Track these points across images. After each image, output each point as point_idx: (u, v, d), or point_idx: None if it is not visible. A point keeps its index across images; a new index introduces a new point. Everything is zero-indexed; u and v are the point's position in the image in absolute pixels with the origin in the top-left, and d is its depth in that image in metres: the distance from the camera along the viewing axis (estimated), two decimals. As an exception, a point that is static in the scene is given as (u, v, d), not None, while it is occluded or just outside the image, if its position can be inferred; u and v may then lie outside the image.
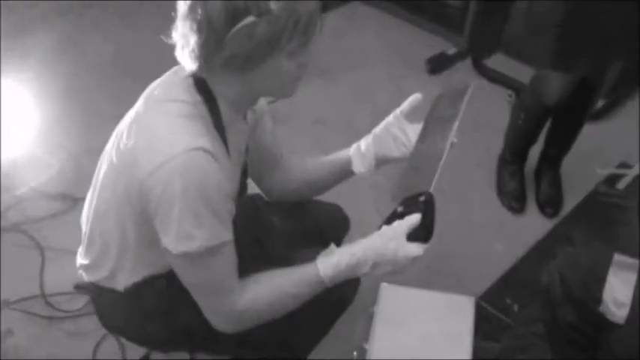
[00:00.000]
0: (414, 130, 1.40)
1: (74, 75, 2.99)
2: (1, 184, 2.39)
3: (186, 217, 1.11)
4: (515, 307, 2.03)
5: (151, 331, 1.39)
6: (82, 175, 1.38)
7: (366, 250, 1.23)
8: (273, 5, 1.07)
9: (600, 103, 2.69)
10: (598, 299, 1.47)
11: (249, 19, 1.06)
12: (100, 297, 1.43)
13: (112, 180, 1.23)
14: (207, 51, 1.11)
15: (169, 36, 1.16)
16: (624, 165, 2.53)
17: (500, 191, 2.49)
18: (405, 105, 1.42)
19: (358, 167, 1.45)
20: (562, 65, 2.01)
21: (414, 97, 1.42)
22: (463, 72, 3.13)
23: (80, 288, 1.47)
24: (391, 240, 1.21)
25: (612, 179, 2.47)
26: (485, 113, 2.69)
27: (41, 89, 2.93)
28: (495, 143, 2.54)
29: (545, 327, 1.72)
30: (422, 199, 1.24)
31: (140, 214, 1.17)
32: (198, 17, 1.08)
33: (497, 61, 3.11)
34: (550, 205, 2.43)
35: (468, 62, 3.18)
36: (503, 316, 2.01)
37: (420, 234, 1.22)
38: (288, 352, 1.45)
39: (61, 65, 3.05)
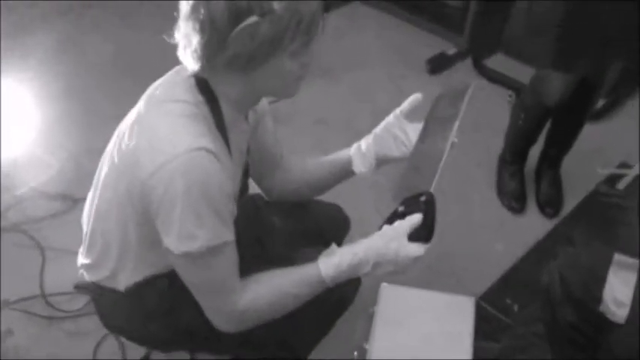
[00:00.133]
0: (414, 130, 1.40)
1: (74, 75, 2.99)
2: (1, 184, 2.40)
3: (188, 217, 1.11)
4: (515, 308, 2.03)
5: (152, 330, 1.39)
6: (82, 175, 1.37)
7: (367, 250, 1.23)
8: (275, 5, 1.07)
9: (600, 103, 2.69)
10: (598, 299, 1.47)
11: (252, 18, 1.06)
12: (101, 297, 1.43)
13: (114, 180, 1.23)
14: (210, 51, 1.11)
15: (170, 36, 1.16)
16: (624, 165, 2.53)
17: (501, 191, 2.49)
18: (405, 105, 1.42)
19: (359, 167, 1.45)
20: (563, 65, 2.01)
21: (414, 97, 1.42)
22: (463, 72, 3.14)
23: (80, 288, 1.47)
24: (392, 240, 1.22)
25: (612, 179, 2.47)
26: (486, 113, 2.69)
27: (41, 89, 2.93)
28: (495, 143, 2.54)
29: (545, 327, 1.72)
30: (423, 199, 1.24)
31: (142, 215, 1.17)
32: (201, 17, 1.08)
33: (498, 62, 3.11)
34: (550, 205, 2.43)
35: (468, 62, 3.18)
36: (503, 317, 2.01)
37: (421, 234, 1.22)
38: (289, 352, 1.46)
39: (61, 65, 3.05)
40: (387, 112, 1.45)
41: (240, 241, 1.23)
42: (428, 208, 1.23)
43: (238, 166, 1.33)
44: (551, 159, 2.48)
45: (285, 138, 1.57)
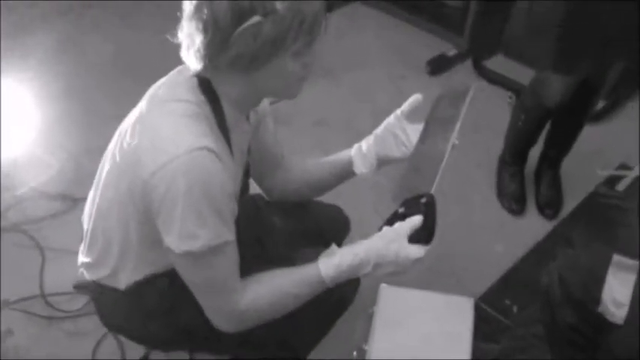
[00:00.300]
0: (414, 131, 1.41)
1: (74, 75, 2.99)
2: (2, 184, 2.40)
3: (189, 216, 1.11)
4: (515, 309, 2.03)
5: (152, 329, 1.39)
6: (82, 175, 1.38)
7: (368, 251, 1.23)
8: (278, 5, 1.07)
9: (600, 105, 2.70)
10: (597, 300, 1.47)
11: (255, 18, 1.07)
12: (101, 296, 1.43)
13: (115, 179, 1.24)
14: (213, 51, 1.11)
15: (172, 35, 1.16)
16: (624, 166, 2.54)
17: (500, 192, 2.49)
18: (406, 105, 1.42)
19: (359, 168, 1.45)
20: (563, 67, 2.01)
21: (415, 98, 1.42)
22: (463, 73, 3.13)
23: (80, 287, 1.47)
24: (393, 241, 1.22)
25: (612, 181, 2.47)
26: (486, 115, 2.69)
27: (41, 89, 2.93)
28: (495, 145, 2.54)
29: (544, 328, 1.72)
30: (423, 200, 1.24)
31: (143, 214, 1.17)
32: (204, 17, 1.08)
33: (498, 63, 3.11)
34: (550, 206, 2.43)
35: (468, 64, 3.18)
36: (503, 318, 2.01)
37: (421, 236, 1.23)
38: (289, 351, 1.46)
39: (61, 65, 3.05)
40: (387, 113, 1.45)
41: (241, 241, 1.23)
42: (428, 210, 1.23)
43: (239, 166, 1.33)
44: (551, 160, 2.48)
45: (285, 138, 1.57)
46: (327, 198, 1.63)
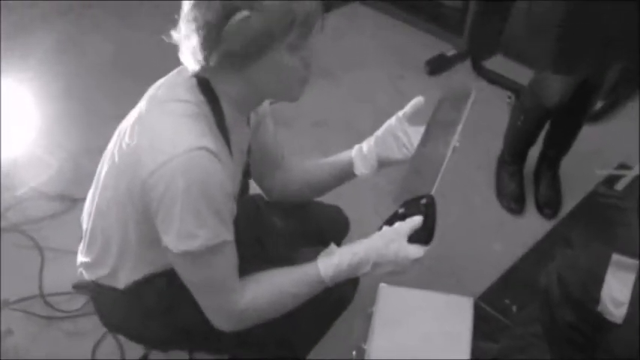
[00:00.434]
0: (416, 133, 1.41)
1: (74, 75, 2.99)
2: (1, 184, 2.40)
3: (187, 215, 1.11)
4: (514, 308, 2.03)
5: (151, 329, 1.39)
6: (82, 175, 1.38)
7: (367, 250, 1.23)
8: (266, 2, 1.08)
9: (599, 105, 2.70)
10: (596, 299, 1.48)
11: (244, 13, 1.07)
12: (100, 295, 1.43)
13: (114, 179, 1.24)
14: (207, 50, 1.11)
15: (168, 37, 1.17)
16: (623, 166, 2.54)
17: (500, 192, 2.49)
18: (408, 108, 1.42)
19: (360, 169, 1.45)
20: (563, 68, 2.01)
21: (417, 100, 1.42)
22: (462, 73, 3.14)
23: (79, 287, 1.48)
24: (392, 241, 1.22)
25: (611, 180, 2.47)
26: (485, 115, 2.69)
27: (41, 89, 2.93)
28: (495, 145, 2.54)
29: (543, 327, 1.72)
30: (423, 201, 1.24)
31: (142, 213, 1.17)
32: (197, 17, 1.09)
33: (497, 63, 3.11)
34: (549, 206, 2.43)
35: (467, 64, 3.18)
36: (502, 317, 2.01)
37: (421, 236, 1.23)
38: (288, 351, 1.46)
39: (61, 65, 3.06)
40: (387, 113, 1.45)
41: (241, 241, 1.23)
42: (428, 211, 1.24)
43: (239, 166, 1.33)
44: (550, 160, 2.48)
45: (285, 139, 1.57)
46: (327, 198, 1.63)
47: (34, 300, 2.02)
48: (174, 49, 1.18)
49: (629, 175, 2.45)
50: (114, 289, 1.35)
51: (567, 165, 2.49)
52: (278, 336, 1.37)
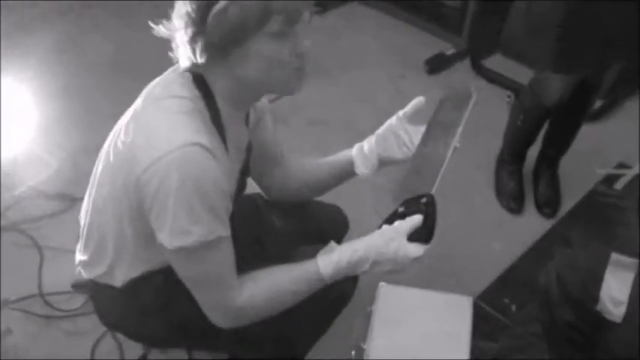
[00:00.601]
0: (416, 132, 1.41)
1: (74, 74, 2.99)
2: (1, 183, 2.40)
3: (181, 212, 1.11)
4: (513, 307, 2.03)
5: (149, 327, 1.39)
6: (81, 174, 1.38)
7: (367, 248, 1.23)
8: None
9: (598, 104, 2.70)
10: (596, 299, 1.48)
11: (221, 4, 1.08)
12: (98, 294, 1.43)
13: (110, 176, 1.24)
14: (194, 44, 1.13)
15: (159, 32, 1.18)
16: (622, 165, 2.54)
17: (499, 192, 2.49)
18: (408, 108, 1.43)
19: (361, 168, 1.45)
20: (563, 67, 2.01)
21: (418, 100, 1.42)
22: (462, 72, 3.14)
23: (78, 287, 1.48)
24: (392, 239, 1.22)
25: (610, 179, 2.47)
26: (485, 114, 2.68)
27: (41, 89, 2.93)
28: (495, 145, 2.55)
29: (542, 327, 1.72)
30: (424, 200, 1.24)
31: (136, 210, 1.17)
32: (184, 13, 1.11)
33: (496, 62, 3.11)
34: (548, 205, 2.43)
35: (466, 63, 3.18)
36: (501, 316, 2.01)
37: (421, 235, 1.23)
38: (287, 349, 1.46)
39: (60, 65, 3.06)
40: (387, 112, 1.45)
41: (240, 240, 1.24)
42: (428, 210, 1.24)
43: (235, 163, 1.33)
44: (550, 159, 2.48)
45: (284, 138, 1.57)
46: (326, 198, 1.63)
47: (34, 299, 2.02)
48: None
49: (629, 175, 2.45)
50: (111, 288, 1.35)
51: (566, 164, 2.49)
52: (277, 333, 1.37)
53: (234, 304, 1.22)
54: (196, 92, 1.19)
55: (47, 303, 2.01)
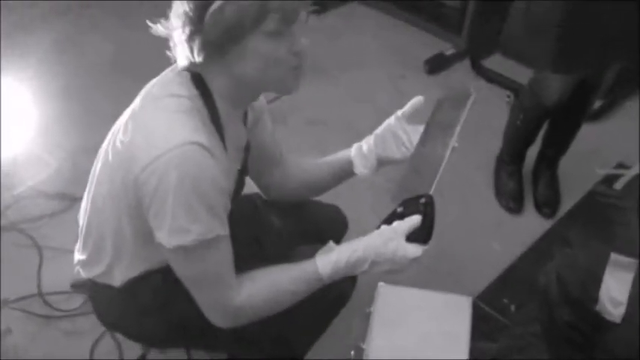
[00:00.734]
0: (415, 132, 1.41)
1: (73, 74, 2.99)
2: (1, 183, 2.40)
3: (179, 210, 1.11)
4: (513, 308, 2.03)
5: (148, 326, 1.39)
6: (80, 174, 1.38)
7: (366, 249, 1.23)
8: None
9: (598, 104, 2.70)
10: (595, 299, 1.48)
11: (217, 3, 1.09)
12: (96, 294, 1.43)
13: (108, 175, 1.24)
14: (191, 43, 1.13)
15: (157, 31, 1.19)
16: (622, 165, 2.54)
17: (498, 192, 2.49)
18: (407, 107, 1.43)
19: (360, 168, 1.46)
20: (563, 67, 2.01)
21: (416, 100, 1.42)
22: (461, 72, 3.14)
23: (77, 286, 1.48)
24: (391, 240, 1.22)
25: (609, 180, 2.47)
26: (484, 114, 2.69)
27: (40, 88, 2.93)
28: (494, 145, 2.54)
29: (542, 327, 1.72)
30: (422, 200, 1.25)
31: (135, 208, 1.18)
32: (182, 12, 1.12)
33: (496, 62, 3.11)
34: (547, 205, 2.43)
35: (466, 63, 3.18)
36: (501, 316, 2.01)
37: (419, 235, 1.23)
38: (286, 349, 1.46)
39: (60, 65, 3.06)
40: (386, 113, 1.45)
41: (238, 240, 1.24)
42: (427, 210, 1.24)
43: (234, 162, 1.33)
44: (549, 159, 2.48)
45: (283, 138, 1.57)
46: (325, 198, 1.63)
47: (33, 299, 2.02)
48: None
49: (628, 175, 2.45)
50: (110, 287, 1.35)
51: (566, 164, 2.49)
52: (275, 333, 1.37)
53: (232, 303, 1.22)
54: (194, 91, 1.19)
55: (46, 303, 2.01)
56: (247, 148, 1.40)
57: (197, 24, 1.11)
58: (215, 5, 1.09)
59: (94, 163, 1.33)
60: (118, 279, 1.33)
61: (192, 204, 1.11)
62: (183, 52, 1.15)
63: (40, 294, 2.03)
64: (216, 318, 1.25)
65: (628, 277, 1.47)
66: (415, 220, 1.23)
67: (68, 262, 1.47)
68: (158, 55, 1.23)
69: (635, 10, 1.84)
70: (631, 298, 1.44)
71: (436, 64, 3.13)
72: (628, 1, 1.84)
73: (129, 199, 1.18)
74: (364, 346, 1.62)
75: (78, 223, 1.42)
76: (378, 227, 1.27)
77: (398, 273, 1.24)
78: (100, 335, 1.91)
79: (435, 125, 1.39)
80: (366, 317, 1.69)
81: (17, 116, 2.76)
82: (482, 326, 1.87)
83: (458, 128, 1.33)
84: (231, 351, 1.56)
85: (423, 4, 3.38)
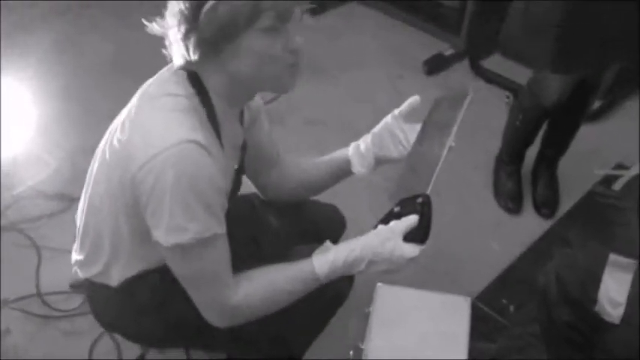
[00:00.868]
0: (412, 131, 1.42)
1: (73, 75, 2.99)
2: (1, 183, 2.40)
3: (177, 209, 1.11)
4: (511, 308, 2.03)
5: (146, 326, 1.39)
6: (80, 174, 1.38)
7: (363, 248, 1.23)
8: None
9: (597, 104, 2.70)
10: (594, 299, 1.47)
11: (211, 2, 1.09)
12: (94, 294, 1.43)
13: (105, 175, 1.25)
14: (187, 41, 1.13)
15: (153, 29, 1.20)
16: (621, 166, 2.54)
17: (497, 192, 2.49)
18: (404, 106, 1.43)
19: (358, 167, 1.46)
20: (562, 67, 2.01)
21: (413, 99, 1.43)
22: (460, 73, 3.14)
23: (76, 287, 1.48)
24: (388, 239, 1.22)
25: (608, 180, 2.47)
26: (483, 115, 2.69)
27: (40, 88, 2.93)
28: (493, 145, 2.54)
29: (541, 327, 1.72)
30: (419, 200, 1.24)
31: (132, 207, 1.18)
32: (176, 11, 1.13)
33: (495, 62, 3.11)
34: (546, 205, 2.43)
35: (465, 63, 3.18)
36: (499, 317, 2.01)
37: (416, 235, 1.23)
38: (284, 349, 1.46)
39: (59, 65, 3.06)
40: (385, 113, 1.45)
41: (236, 240, 1.24)
42: (424, 210, 1.24)
43: (231, 161, 1.33)
44: (548, 160, 2.48)
45: (282, 138, 1.57)
46: (322, 197, 1.63)
47: (32, 299, 2.02)
48: (172, 48, 1.19)
49: (627, 175, 2.45)
50: (107, 287, 1.35)
51: (565, 165, 2.49)
52: (272, 333, 1.37)
53: (229, 302, 1.22)
54: (191, 90, 1.19)
55: (45, 303, 2.01)
56: (244, 148, 1.40)
57: (192, 22, 1.11)
58: (209, 4, 1.09)
59: (92, 163, 1.33)
60: (115, 278, 1.34)
61: (190, 202, 1.11)
62: (178, 51, 1.16)
63: (39, 294, 2.03)
64: (213, 317, 1.25)
65: (627, 278, 1.47)
66: (412, 219, 1.23)
67: (67, 263, 1.47)
68: (158, 55, 1.23)
69: (634, 10, 1.84)
70: (630, 298, 1.44)
71: (435, 65, 3.13)
72: (628, 1, 1.84)
73: (126, 198, 1.18)
74: (363, 347, 1.62)
75: (76, 223, 1.42)
76: (375, 227, 1.27)
77: (395, 273, 1.25)
78: (98, 335, 1.91)
79: (433, 124, 1.39)
80: (365, 317, 1.69)
81: (17, 116, 2.76)
82: (481, 326, 1.88)
83: (455, 128, 1.33)
84: (230, 350, 1.56)
85: (422, 5, 3.38)
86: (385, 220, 1.26)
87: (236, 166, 1.37)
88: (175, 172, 1.09)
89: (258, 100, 1.43)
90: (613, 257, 1.50)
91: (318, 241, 1.31)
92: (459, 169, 2.50)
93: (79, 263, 1.40)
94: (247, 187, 1.52)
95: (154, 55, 1.23)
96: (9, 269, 2.09)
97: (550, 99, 2.11)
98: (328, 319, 1.48)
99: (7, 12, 3.32)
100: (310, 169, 1.55)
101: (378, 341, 1.62)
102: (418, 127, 1.41)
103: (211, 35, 1.12)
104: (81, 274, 1.41)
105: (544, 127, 2.38)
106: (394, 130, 1.42)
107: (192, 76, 1.20)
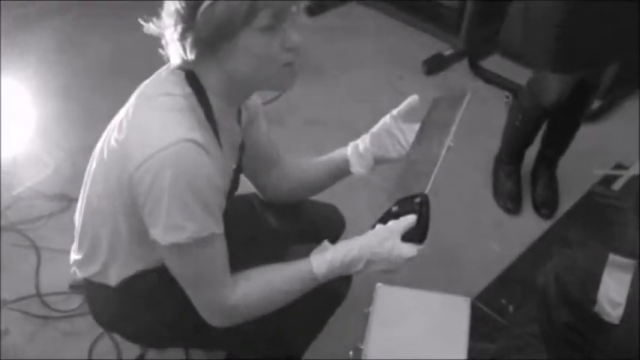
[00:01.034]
0: (410, 131, 1.42)
1: (72, 74, 2.99)
2: (1, 183, 2.40)
3: (175, 208, 1.11)
4: (511, 308, 2.03)
5: (144, 325, 1.39)
6: (79, 174, 1.38)
7: (361, 248, 1.23)
8: None
9: (597, 104, 2.70)
10: (594, 300, 1.47)
11: (207, 1, 1.09)
12: (93, 294, 1.44)
13: (103, 174, 1.25)
14: (183, 41, 1.13)
15: (149, 29, 1.20)
16: (620, 166, 2.54)
17: (497, 192, 2.49)
18: (402, 106, 1.43)
19: (356, 167, 1.46)
20: (562, 67, 2.01)
21: (412, 99, 1.43)
22: (460, 73, 3.14)
23: (75, 287, 1.48)
24: (386, 239, 1.22)
25: (608, 180, 2.47)
26: (483, 115, 2.69)
27: (39, 88, 2.93)
28: (492, 145, 2.55)
29: (540, 327, 1.72)
30: (417, 200, 1.24)
31: (130, 207, 1.18)
32: (173, 11, 1.13)
33: (494, 62, 3.12)
34: (546, 205, 2.43)
35: (464, 63, 3.18)
36: (499, 317, 2.01)
37: (414, 235, 1.23)
38: (283, 349, 1.46)
39: (59, 65, 3.06)
40: (385, 113, 1.45)
41: (235, 239, 1.24)
42: (422, 210, 1.24)
43: (229, 160, 1.33)
44: (548, 160, 2.49)
45: (281, 138, 1.57)
46: (320, 197, 1.63)
47: (31, 300, 2.02)
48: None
49: (626, 175, 2.45)
50: (105, 287, 1.35)
51: (564, 165, 2.49)
52: (270, 333, 1.37)
53: (227, 302, 1.22)
54: (188, 89, 1.19)
55: (45, 303, 2.01)
56: (242, 147, 1.40)
57: (189, 22, 1.11)
58: (206, 4, 1.09)
59: (90, 162, 1.33)
60: (113, 278, 1.33)
61: (187, 201, 1.11)
62: (175, 51, 1.16)
63: (39, 294, 2.03)
64: (211, 317, 1.25)
65: (626, 278, 1.47)
66: (410, 219, 1.23)
67: (66, 263, 1.47)
68: (157, 55, 1.23)
69: (634, 10, 1.84)
70: (629, 299, 1.44)
71: (434, 65, 3.13)
72: (628, 1, 1.84)
73: (124, 197, 1.18)
74: (362, 347, 1.62)
75: (75, 223, 1.42)
76: (373, 226, 1.27)
77: (393, 272, 1.25)
78: (98, 335, 1.91)
79: (431, 124, 1.39)
80: (365, 317, 1.69)
81: (17, 116, 2.76)
82: (480, 327, 1.87)
83: (454, 127, 1.33)
84: (228, 350, 1.55)
85: (422, 5, 3.38)
86: (383, 220, 1.26)
87: (234, 166, 1.37)
88: (173, 172, 1.09)
89: (256, 100, 1.43)
90: (612, 257, 1.50)
91: (317, 241, 1.31)
92: (458, 169, 2.50)
93: (78, 263, 1.40)
94: (247, 187, 1.52)
95: (154, 55, 1.23)
96: (8, 270, 2.09)
97: (550, 99, 2.11)
98: (326, 318, 1.48)
99: (7, 11, 3.32)
100: (309, 169, 1.55)
101: (378, 341, 1.62)
102: (417, 127, 1.41)
103: (208, 35, 1.11)
104: (79, 274, 1.41)
105: (544, 127, 2.38)
106: (393, 130, 1.42)
107: (190, 75, 1.20)
